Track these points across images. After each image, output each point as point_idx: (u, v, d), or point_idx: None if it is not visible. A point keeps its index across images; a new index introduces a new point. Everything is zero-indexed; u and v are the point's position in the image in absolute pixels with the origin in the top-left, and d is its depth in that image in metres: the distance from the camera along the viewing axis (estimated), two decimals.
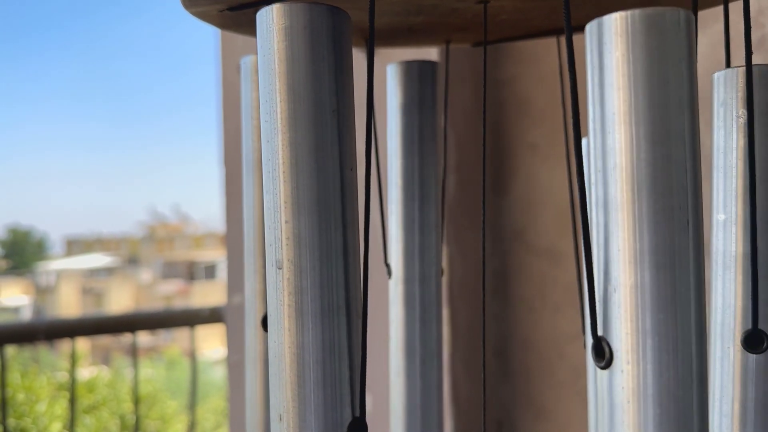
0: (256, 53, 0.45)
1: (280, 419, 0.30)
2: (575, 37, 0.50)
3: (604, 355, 0.27)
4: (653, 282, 0.26)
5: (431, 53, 1.03)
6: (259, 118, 0.44)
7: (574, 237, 0.51)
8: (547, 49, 1.27)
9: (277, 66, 0.31)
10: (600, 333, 0.27)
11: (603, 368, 0.27)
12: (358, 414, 0.30)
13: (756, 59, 0.70)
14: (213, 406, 6.82)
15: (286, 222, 0.30)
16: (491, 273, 1.34)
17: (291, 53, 0.30)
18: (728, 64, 0.40)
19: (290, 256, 0.30)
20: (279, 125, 0.30)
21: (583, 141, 0.52)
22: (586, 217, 0.28)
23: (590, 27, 0.28)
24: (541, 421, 1.26)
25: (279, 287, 0.30)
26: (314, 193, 0.30)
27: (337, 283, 0.30)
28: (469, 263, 1.30)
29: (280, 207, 0.30)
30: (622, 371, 0.26)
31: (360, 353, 0.31)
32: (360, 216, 0.32)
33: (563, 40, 0.49)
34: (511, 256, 1.32)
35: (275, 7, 0.31)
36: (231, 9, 0.38)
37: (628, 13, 0.26)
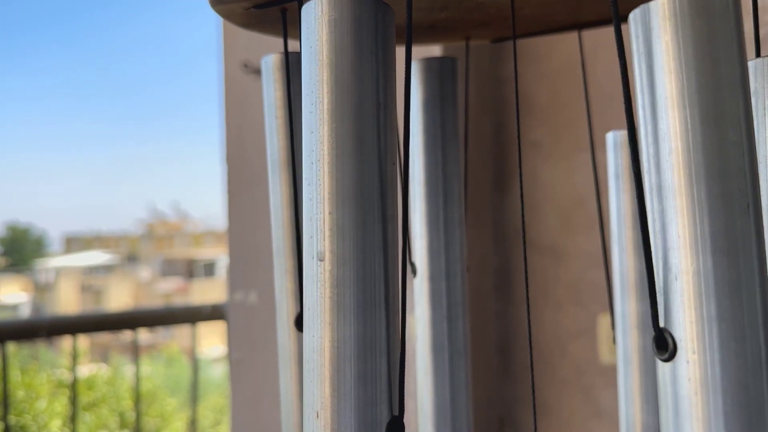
0: (267, 49, 0.45)
1: (317, 416, 0.30)
2: (587, 32, 0.50)
3: (667, 346, 0.26)
4: (716, 268, 0.26)
5: (435, 50, 1.03)
6: (283, 117, 0.43)
7: (601, 232, 0.50)
8: (550, 47, 1.27)
9: (325, 57, 0.31)
10: (662, 324, 0.27)
11: (666, 360, 0.26)
12: (396, 413, 0.30)
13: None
14: (212, 404, 6.82)
15: (330, 213, 0.30)
16: (494, 271, 1.34)
17: (338, 45, 0.30)
18: (758, 54, 0.40)
19: (332, 247, 0.30)
20: (324, 116, 0.30)
21: (609, 135, 0.52)
22: (643, 205, 0.27)
23: (635, 14, 0.28)
24: (543, 417, 1.26)
25: (319, 279, 0.30)
26: (357, 185, 0.30)
27: (378, 276, 0.30)
28: (473, 261, 1.30)
29: (323, 198, 0.30)
30: (687, 362, 0.26)
31: (399, 350, 0.30)
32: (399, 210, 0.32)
33: (584, 33, 0.49)
34: (513, 254, 1.32)
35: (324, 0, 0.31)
36: (257, 7, 0.38)
37: None
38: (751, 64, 0.36)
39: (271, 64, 0.43)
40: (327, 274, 0.30)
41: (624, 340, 0.46)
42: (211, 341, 10.02)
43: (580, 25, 0.48)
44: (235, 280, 1.42)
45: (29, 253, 24.82)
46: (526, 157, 1.31)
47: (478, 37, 0.50)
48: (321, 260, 0.30)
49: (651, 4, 0.27)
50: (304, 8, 0.32)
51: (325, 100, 0.30)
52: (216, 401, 6.82)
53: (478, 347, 1.30)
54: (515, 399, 1.29)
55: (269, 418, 1.30)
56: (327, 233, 0.30)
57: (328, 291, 0.30)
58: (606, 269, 0.49)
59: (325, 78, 0.30)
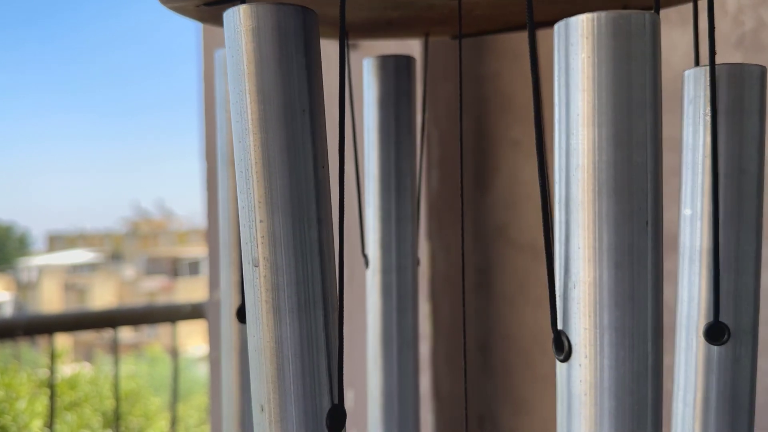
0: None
1: (262, 410, 0.31)
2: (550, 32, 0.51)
3: (563, 348, 0.28)
4: (611, 279, 0.27)
5: (414, 47, 1.03)
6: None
7: (545, 233, 0.51)
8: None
9: (246, 67, 0.31)
10: (560, 327, 0.28)
11: (562, 361, 0.28)
12: (336, 401, 0.31)
13: (736, 57, 0.71)
14: (196, 403, 6.80)
15: (261, 221, 0.31)
16: (474, 268, 1.35)
17: (259, 54, 0.31)
18: (697, 62, 0.40)
19: (266, 254, 0.31)
20: (250, 125, 0.31)
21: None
22: (547, 214, 0.29)
23: (558, 27, 0.29)
24: (522, 415, 1.27)
25: (256, 284, 0.31)
26: (287, 192, 0.31)
27: (313, 278, 0.31)
28: (452, 258, 1.31)
29: (255, 206, 0.31)
30: (580, 365, 0.27)
31: (337, 343, 0.31)
32: (335, 211, 0.32)
33: (540, 33, 0.49)
34: (493, 252, 1.33)
35: (242, 8, 0.31)
36: (207, 4, 0.38)
37: (595, 15, 0.27)
38: (691, 72, 0.37)
39: (222, 59, 0.44)
40: (262, 279, 0.31)
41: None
42: (195, 340, 9.99)
43: (535, 25, 0.49)
44: (215, 279, 1.42)
45: (12, 251, 24.58)
46: (506, 155, 1.32)
47: (438, 33, 0.51)
48: (256, 266, 0.31)
49: (572, 19, 0.28)
50: (225, 16, 0.32)
51: (249, 110, 0.31)
52: (200, 400, 6.80)
53: (457, 345, 1.31)
54: (495, 396, 1.30)
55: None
56: (260, 240, 0.31)
57: (264, 295, 0.31)
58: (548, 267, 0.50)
59: (248, 88, 0.31)
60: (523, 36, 1.16)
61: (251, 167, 0.31)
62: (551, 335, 0.99)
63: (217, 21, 0.44)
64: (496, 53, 1.21)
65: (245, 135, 0.31)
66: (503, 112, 1.32)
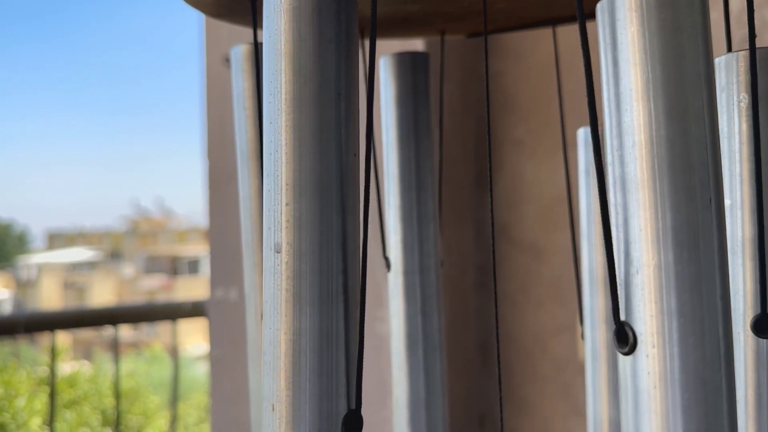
0: (247, 42, 0.44)
1: (273, 409, 0.29)
2: (570, 28, 0.50)
3: (627, 340, 0.26)
4: (677, 261, 0.25)
5: (418, 45, 1.03)
6: (252, 108, 0.43)
7: (571, 227, 0.51)
8: (533, 46, 1.27)
9: (283, 47, 0.30)
10: (623, 318, 0.27)
11: (626, 354, 0.26)
12: (353, 406, 0.30)
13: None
14: (196, 402, 6.79)
15: (287, 204, 0.30)
16: (475, 268, 1.34)
17: (298, 34, 0.30)
18: (729, 49, 0.40)
19: (290, 239, 0.29)
20: (283, 105, 0.30)
21: (580, 131, 0.52)
22: (605, 198, 0.27)
23: (602, 5, 0.27)
24: (524, 414, 1.27)
25: (276, 271, 0.30)
26: (316, 177, 0.30)
27: (336, 269, 0.30)
28: (454, 258, 1.30)
29: (281, 189, 0.30)
30: (647, 356, 0.26)
31: (357, 343, 0.30)
32: (360, 203, 0.32)
33: (558, 30, 0.49)
34: (495, 251, 1.32)
35: None
36: None
37: None
38: (722, 59, 0.36)
39: (240, 54, 0.43)
40: (284, 266, 0.29)
41: (592, 335, 0.46)
42: (195, 339, 9.98)
43: (554, 21, 0.48)
44: (216, 277, 1.41)
45: (11, 249, 24.56)
46: (508, 154, 1.31)
47: (453, 31, 0.50)
48: (278, 252, 0.30)
49: None
50: None
51: (284, 91, 0.30)
52: (200, 399, 6.79)
53: (458, 344, 1.30)
54: (496, 396, 1.29)
55: (249, 416, 1.30)
56: (284, 225, 0.30)
57: (284, 283, 0.29)
58: (575, 265, 0.49)
59: (284, 68, 0.30)
60: (526, 36, 1.15)
61: (281, 148, 0.30)
62: (552, 335, 0.98)
63: (231, 16, 0.44)
64: (499, 53, 1.20)
65: (277, 115, 0.30)
66: (506, 112, 1.31)
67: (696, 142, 0.26)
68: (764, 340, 0.34)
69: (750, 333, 0.34)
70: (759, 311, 0.33)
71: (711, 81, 0.26)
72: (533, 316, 1.27)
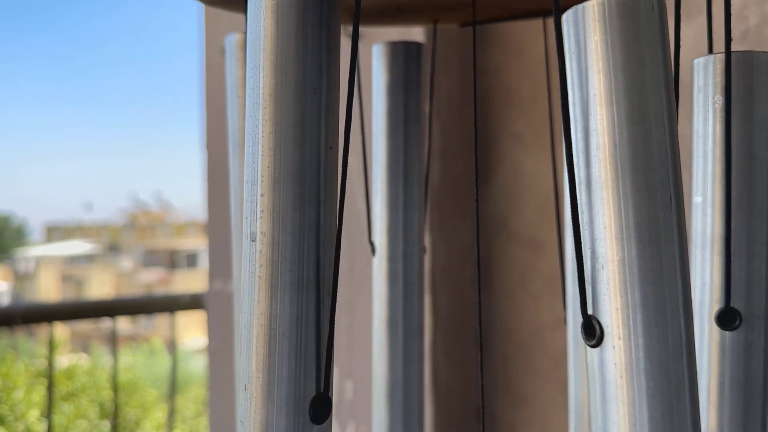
0: (242, 32, 0.45)
1: (245, 389, 0.31)
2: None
3: (594, 333, 0.27)
4: (640, 257, 0.27)
5: (417, 36, 1.03)
6: (244, 96, 0.43)
7: (557, 221, 0.52)
8: (533, 39, 1.27)
9: (263, 42, 0.31)
10: (590, 312, 0.28)
11: (594, 346, 0.28)
12: (322, 389, 0.31)
13: None
14: (193, 395, 6.80)
15: (262, 195, 0.30)
16: (473, 261, 1.34)
17: (277, 30, 0.31)
18: (710, 51, 0.41)
19: (264, 228, 0.30)
20: (261, 99, 0.31)
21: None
22: (575, 196, 0.28)
23: (567, 15, 0.29)
24: (520, 408, 1.27)
25: (252, 259, 0.31)
26: (292, 168, 0.30)
27: (309, 258, 0.31)
28: (452, 251, 1.31)
29: (258, 180, 0.31)
30: (613, 347, 0.27)
31: (328, 329, 0.31)
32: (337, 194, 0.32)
33: (549, 21, 0.49)
34: (493, 246, 1.32)
35: None
36: None
37: (604, 0, 0.28)
38: (701, 61, 0.38)
39: (234, 43, 0.43)
40: (258, 255, 0.31)
41: (574, 321, 0.47)
42: (193, 333, 9.99)
43: (545, 12, 0.49)
44: (214, 270, 1.42)
45: (9, 242, 24.53)
46: (508, 148, 1.31)
47: (447, 20, 0.51)
48: (253, 241, 0.31)
49: (582, 5, 0.28)
50: None
51: (262, 84, 0.31)
52: (198, 393, 6.80)
53: (456, 338, 1.31)
54: (493, 389, 1.30)
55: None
56: (259, 215, 0.31)
57: (258, 270, 0.31)
58: (560, 254, 0.50)
59: (263, 63, 0.31)
60: (525, 28, 1.15)
61: (258, 141, 0.31)
62: (550, 329, 0.98)
63: (227, 4, 0.44)
64: (498, 46, 1.21)
65: (256, 109, 0.31)
66: (505, 106, 1.31)
67: (656, 145, 0.27)
68: (727, 332, 0.35)
69: (714, 325, 0.35)
70: (723, 304, 0.35)
71: (669, 86, 0.28)
72: (531, 311, 1.28)
